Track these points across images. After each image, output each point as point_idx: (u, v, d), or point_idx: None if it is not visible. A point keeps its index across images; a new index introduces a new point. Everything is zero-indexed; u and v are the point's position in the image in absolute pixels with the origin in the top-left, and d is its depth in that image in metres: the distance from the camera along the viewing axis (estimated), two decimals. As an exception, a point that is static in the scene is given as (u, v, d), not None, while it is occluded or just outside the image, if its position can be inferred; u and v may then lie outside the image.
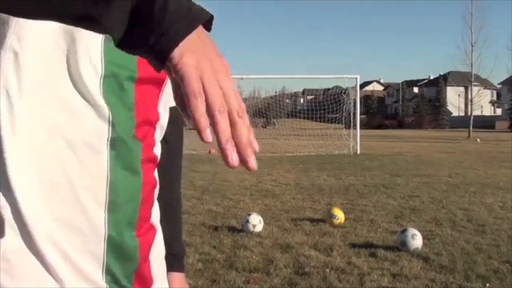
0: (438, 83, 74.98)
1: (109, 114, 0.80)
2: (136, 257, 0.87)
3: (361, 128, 20.68)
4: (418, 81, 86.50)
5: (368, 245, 5.26)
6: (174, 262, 1.10)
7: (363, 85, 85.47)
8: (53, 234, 0.78)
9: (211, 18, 0.57)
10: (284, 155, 18.14)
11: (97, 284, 0.83)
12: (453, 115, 71.87)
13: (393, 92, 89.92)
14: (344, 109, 21.15)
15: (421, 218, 6.74)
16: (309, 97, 77.88)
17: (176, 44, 0.53)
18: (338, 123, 22.03)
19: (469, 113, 48.12)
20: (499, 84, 77.81)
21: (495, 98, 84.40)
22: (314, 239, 5.50)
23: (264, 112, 34.28)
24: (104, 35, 0.79)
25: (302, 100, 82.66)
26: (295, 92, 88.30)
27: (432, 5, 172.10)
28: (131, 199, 0.85)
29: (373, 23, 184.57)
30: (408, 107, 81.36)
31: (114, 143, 0.81)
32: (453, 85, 66.07)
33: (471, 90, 48.47)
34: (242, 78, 19.03)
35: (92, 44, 0.78)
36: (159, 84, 0.88)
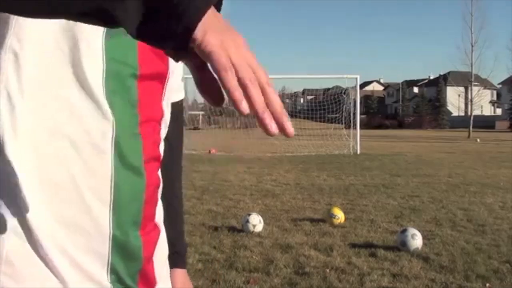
0: (438, 83, 74.96)
1: (112, 113, 0.80)
2: (140, 257, 0.87)
3: (361, 128, 20.67)
4: (418, 81, 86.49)
5: (368, 245, 5.26)
6: (177, 259, 1.10)
7: (363, 85, 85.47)
8: (56, 234, 0.78)
9: None
10: (284, 155, 18.13)
11: (102, 284, 0.82)
12: (453, 115, 71.86)
13: (393, 92, 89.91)
14: (344, 109, 21.13)
15: (421, 218, 6.74)
16: (309, 97, 77.84)
17: (199, 20, 0.53)
18: (338, 123, 22.02)
19: (469, 113, 48.10)
20: (499, 84, 77.79)
21: (495, 98, 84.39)
22: (314, 239, 5.50)
23: (264, 112, 34.24)
24: (104, 33, 0.79)
25: (302, 100, 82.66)
26: (295, 92, 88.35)
27: (432, 5, 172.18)
28: (135, 198, 0.85)
29: (373, 23, 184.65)
30: (408, 107, 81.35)
31: (118, 142, 0.81)
32: (453, 85, 66.04)
33: (471, 90, 48.45)
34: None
35: (93, 43, 0.78)
36: (162, 80, 0.88)
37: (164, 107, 0.91)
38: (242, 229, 5.77)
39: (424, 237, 5.23)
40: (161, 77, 0.88)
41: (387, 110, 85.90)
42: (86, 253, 0.80)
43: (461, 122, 59.18)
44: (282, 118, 0.55)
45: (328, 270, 4.43)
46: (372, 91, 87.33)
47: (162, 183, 0.94)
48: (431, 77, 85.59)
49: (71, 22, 0.75)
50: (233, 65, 0.53)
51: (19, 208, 0.76)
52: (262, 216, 6.06)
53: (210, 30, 0.53)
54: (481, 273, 4.37)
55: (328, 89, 41.38)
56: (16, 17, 0.75)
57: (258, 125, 0.54)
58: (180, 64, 0.98)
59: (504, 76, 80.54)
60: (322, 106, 23.73)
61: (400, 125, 69.74)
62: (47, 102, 0.77)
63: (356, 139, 19.01)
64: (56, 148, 0.77)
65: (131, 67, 0.82)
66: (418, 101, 77.68)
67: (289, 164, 14.42)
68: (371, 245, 5.25)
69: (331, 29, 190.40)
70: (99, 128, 0.79)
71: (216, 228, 5.96)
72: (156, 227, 0.93)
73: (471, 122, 44.23)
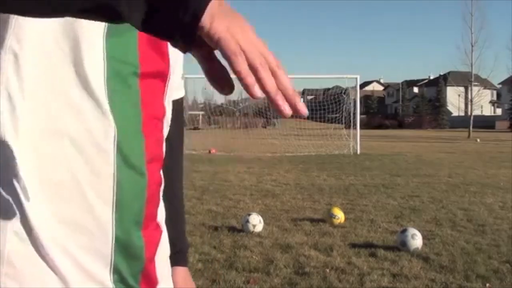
0: (438, 83, 74.95)
1: (114, 112, 0.79)
2: (142, 257, 0.87)
3: (361, 128, 20.67)
4: (418, 81, 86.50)
5: (368, 245, 5.26)
6: (178, 257, 1.10)
7: (363, 85, 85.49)
8: (58, 234, 0.77)
9: None
10: (284, 155, 18.13)
11: (104, 284, 0.82)
12: (453, 115, 71.86)
13: (393, 92, 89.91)
14: (344, 109, 21.14)
15: (421, 218, 6.74)
16: (309, 97, 77.84)
17: (205, 8, 0.53)
18: (338, 123, 22.02)
19: (469, 113, 48.09)
20: (499, 84, 77.79)
21: (495, 98, 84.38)
22: (314, 239, 5.50)
23: (264, 112, 34.25)
24: (104, 32, 0.78)
25: (302, 100, 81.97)
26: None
27: (432, 5, 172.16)
28: (137, 197, 0.84)
29: (373, 23, 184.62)
30: (408, 107, 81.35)
31: (121, 141, 0.80)
32: (453, 85, 66.05)
33: (471, 90, 48.44)
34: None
35: (94, 42, 0.78)
36: (163, 78, 0.88)
37: (166, 106, 0.91)
38: (242, 229, 5.77)
39: (424, 237, 5.23)
40: (162, 76, 0.87)
41: (387, 110, 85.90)
42: (88, 252, 0.80)
43: (461, 122, 59.18)
44: (294, 98, 0.55)
45: (328, 270, 4.43)
46: (372, 91, 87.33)
47: (163, 182, 0.94)
48: (431, 77, 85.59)
49: (72, 21, 0.76)
50: (242, 50, 0.53)
51: (20, 208, 0.76)
52: (262, 216, 6.06)
53: (216, 16, 0.54)
54: (481, 273, 4.37)
55: (328, 89, 41.44)
56: (16, 17, 0.75)
57: (271, 107, 0.55)
58: (180, 62, 0.98)
59: (504, 76, 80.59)
60: (322, 106, 23.73)
61: (400, 125, 69.74)
62: (48, 102, 0.76)
63: (356, 139, 19.01)
64: (58, 147, 0.77)
65: (132, 66, 0.81)
66: (418, 101, 77.68)
67: (289, 164, 14.42)
68: (371, 245, 5.25)
69: (331, 29, 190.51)
70: (101, 127, 0.79)
71: (216, 228, 5.96)
72: (158, 226, 0.93)
73: (471, 122, 44.22)
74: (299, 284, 4.10)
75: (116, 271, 0.83)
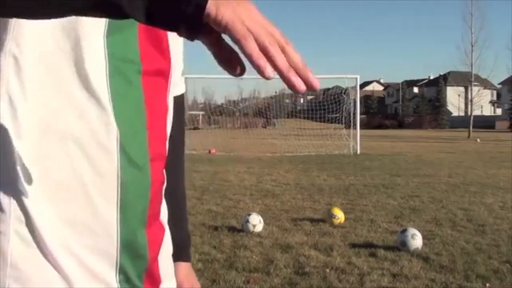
0: (438, 83, 74.96)
1: (117, 111, 0.79)
2: (147, 256, 0.87)
3: (361, 128, 20.67)
4: (418, 81, 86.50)
5: (368, 245, 5.26)
6: (181, 253, 1.10)
7: (363, 85, 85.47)
8: (62, 234, 0.77)
9: None
10: (284, 155, 18.13)
11: (109, 284, 0.82)
12: (453, 115, 71.86)
13: (393, 92, 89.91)
14: (344, 109, 21.14)
15: (421, 218, 6.74)
16: (309, 97, 77.79)
17: None
18: (338, 123, 22.02)
19: (469, 113, 48.08)
20: (499, 84, 77.79)
21: (495, 98, 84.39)
22: (314, 239, 5.50)
23: (264, 112, 34.30)
24: (105, 31, 0.78)
25: (302, 100, 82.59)
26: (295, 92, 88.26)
27: (432, 5, 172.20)
28: (141, 196, 0.84)
29: (373, 23, 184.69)
30: (408, 107, 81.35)
31: (124, 140, 0.80)
32: (453, 85, 66.04)
33: (471, 90, 48.43)
34: (242, 78, 19.00)
35: (94, 41, 0.78)
36: (165, 75, 0.88)
37: (168, 103, 0.90)
38: (242, 229, 5.77)
39: (424, 237, 5.23)
40: (164, 73, 0.87)
41: (387, 110, 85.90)
42: (93, 252, 0.80)
43: (461, 122, 59.18)
44: (306, 73, 0.56)
45: (328, 270, 4.43)
46: (372, 91, 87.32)
47: (166, 180, 0.94)
48: (431, 77, 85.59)
49: (72, 21, 0.75)
50: (250, 32, 0.54)
51: (23, 209, 0.75)
52: (262, 216, 6.06)
53: (221, 2, 0.54)
54: (481, 273, 4.37)
55: (328, 89, 41.38)
56: (15, 19, 0.75)
57: (286, 86, 0.55)
58: (180, 58, 0.98)
59: (504, 76, 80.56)
60: (322, 106, 23.74)
61: (400, 125, 69.73)
62: (50, 102, 0.76)
63: (356, 139, 19.01)
64: (61, 148, 0.77)
65: (134, 64, 0.81)
66: (418, 101, 77.68)
67: (289, 164, 14.42)
68: (371, 245, 5.25)
69: (331, 29, 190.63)
70: (104, 127, 0.78)
71: (216, 228, 5.96)
72: (161, 225, 0.93)
73: (471, 122, 44.21)
74: (299, 284, 4.10)
75: (122, 272, 0.83)
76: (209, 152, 18.75)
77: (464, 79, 57.21)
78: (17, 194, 0.75)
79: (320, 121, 25.17)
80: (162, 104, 0.88)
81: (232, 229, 5.91)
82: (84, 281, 0.79)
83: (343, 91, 22.37)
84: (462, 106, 63.03)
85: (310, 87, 0.56)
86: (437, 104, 72.94)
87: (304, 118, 27.20)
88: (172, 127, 0.95)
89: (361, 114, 24.83)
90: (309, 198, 8.31)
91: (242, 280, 4.16)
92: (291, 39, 0.56)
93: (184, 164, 1.17)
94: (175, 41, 0.89)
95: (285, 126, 27.67)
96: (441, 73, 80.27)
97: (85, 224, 0.79)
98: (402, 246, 5.03)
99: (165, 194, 0.94)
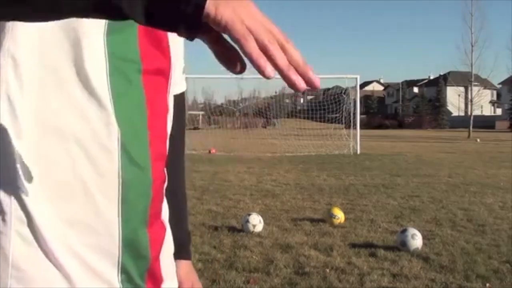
0: (438, 83, 74.95)
1: (118, 110, 0.79)
2: (148, 255, 0.86)
3: (361, 128, 20.67)
4: (418, 81, 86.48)
5: (368, 245, 5.26)
6: (181, 251, 1.10)
7: (363, 85, 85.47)
8: (64, 234, 0.77)
9: None
10: (284, 155, 18.13)
11: (112, 283, 0.82)
12: (453, 115, 71.84)
13: (393, 92, 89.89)
14: (344, 109, 21.13)
15: (421, 218, 6.74)
16: (309, 97, 77.94)
17: None
18: (338, 123, 22.02)
19: (469, 113, 48.07)
20: (499, 84, 77.78)
21: (495, 98, 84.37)
22: (314, 239, 5.50)
23: (264, 112, 34.29)
24: (105, 30, 0.78)
25: (302, 100, 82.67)
26: (295, 92, 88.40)
27: (432, 5, 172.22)
28: (142, 195, 0.84)
29: (373, 23, 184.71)
30: (408, 107, 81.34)
31: (125, 139, 0.80)
32: (453, 85, 66.01)
33: (471, 90, 48.43)
34: (242, 78, 19.01)
35: (94, 41, 0.77)
36: (165, 74, 0.88)
37: (169, 102, 0.90)
38: (242, 229, 5.77)
39: (424, 237, 5.23)
40: (164, 72, 0.87)
41: (387, 110, 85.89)
42: (95, 252, 0.79)
43: (461, 122, 59.17)
44: (307, 71, 0.55)
45: (328, 270, 4.43)
46: (372, 91, 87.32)
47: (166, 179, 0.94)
48: (431, 77, 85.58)
49: (71, 21, 0.75)
50: (250, 31, 0.54)
51: (24, 209, 0.75)
52: (262, 216, 6.06)
53: (220, 1, 0.54)
54: (481, 273, 4.37)
55: (328, 89, 41.42)
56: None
57: (286, 85, 0.55)
58: (181, 56, 0.98)
59: (504, 76, 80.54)
60: (322, 106, 23.73)
61: (400, 125, 69.73)
62: (50, 102, 0.76)
63: (356, 139, 19.01)
64: (61, 147, 0.77)
65: (134, 63, 0.81)
66: (418, 101, 77.66)
67: (289, 164, 14.42)
68: (371, 245, 5.25)
69: (331, 29, 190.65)
70: (104, 126, 0.78)
71: (216, 228, 5.96)
72: (162, 224, 0.92)
73: (471, 122, 44.21)
74: (299, 284, 4.10)
75: (124, 271, 0.83)
76: (209, 152, 18.75)
77: (464, 79, 57.20)
78: (17, 194, 0.75)
79: (320, 121, 25.16)
80: (162, 103, 0.88)
81: (232, 229, 5.91)
82: (86, 281, 0.79)
83: (343, 91, 22.36)
84: (462, 106, 63.02)
85: (310, 85, 0.56)
86: (437, 104, 72.93)
87: (304, 118, 27.20)
88: (172, 126, 0.95)
89: (361, 114, 24.83)
90: (309, 198, 8.31)
91: (242, 280, 4.16)
92: (291, 39, 0.56)
93: (185, 164, 1.17)
94: (175, 40, 0.89)
95: (285, 126, 27.67)
96: (441, 73, 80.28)
97: (86, 224, 0.78)
98: (402, 246, 5.03)
99: (165, 193, 0.94)
